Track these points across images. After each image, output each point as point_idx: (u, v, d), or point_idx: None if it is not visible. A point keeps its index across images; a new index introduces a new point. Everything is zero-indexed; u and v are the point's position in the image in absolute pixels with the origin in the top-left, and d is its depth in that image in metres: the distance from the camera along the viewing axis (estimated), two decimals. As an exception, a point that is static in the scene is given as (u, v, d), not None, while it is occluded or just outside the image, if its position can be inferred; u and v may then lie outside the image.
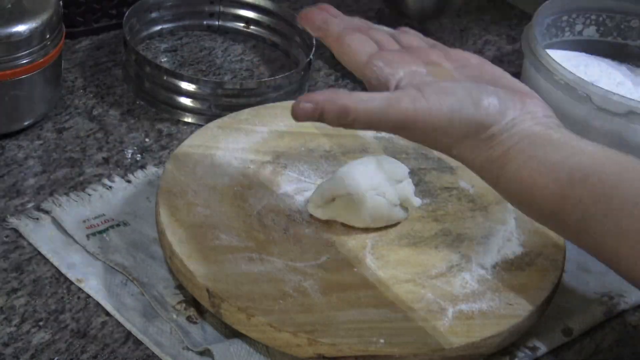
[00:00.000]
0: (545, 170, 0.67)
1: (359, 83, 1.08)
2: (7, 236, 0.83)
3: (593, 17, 1.15)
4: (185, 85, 0.98)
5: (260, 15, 1.11)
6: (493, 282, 0.80)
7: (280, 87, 1.00)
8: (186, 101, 0.98)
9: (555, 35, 1.14)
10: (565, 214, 0.67)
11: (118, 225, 0.85)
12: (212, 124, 0.91)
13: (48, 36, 0.91)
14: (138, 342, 0.76)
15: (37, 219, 0.85)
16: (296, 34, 1.08)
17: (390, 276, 0.80)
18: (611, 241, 0.65)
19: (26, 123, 0.94)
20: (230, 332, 0.77)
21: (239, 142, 0.90)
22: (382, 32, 0.76)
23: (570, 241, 0.71)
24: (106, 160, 0.92)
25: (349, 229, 0.84)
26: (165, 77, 0.98)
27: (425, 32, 0.84)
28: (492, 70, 0.74)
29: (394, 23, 1.16)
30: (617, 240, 0.65)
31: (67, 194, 0.87)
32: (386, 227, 0.84)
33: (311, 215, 0.84)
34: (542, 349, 0.80)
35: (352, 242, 0.82)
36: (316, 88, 1.07)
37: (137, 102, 1.00)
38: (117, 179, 0.90)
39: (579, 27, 1.15)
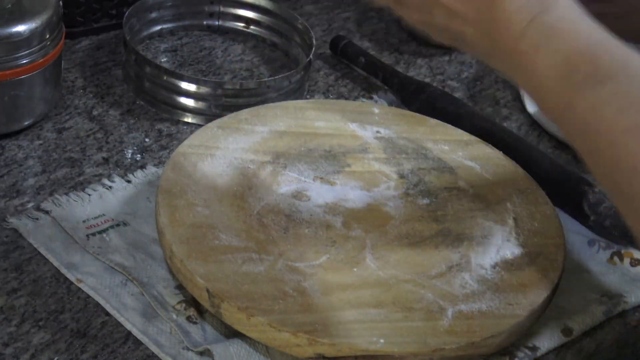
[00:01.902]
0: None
1: (359, 83, 1.08)
2: (7, 236, 0.83)
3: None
4: (185, 85, 0.98)
5: (260, 15, 1.11)
6: (493, 282, 0.80)
7: (280, 87, 1.00)
8: (186, 101, 0.98)
9: (555, 35, 1.13)
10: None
11: (118, 225, 0.85)
12: (212, 124, 0.91)
13: (48, 36, 0.91)
14: (138, 342, 0.76)
15: (37, 219, 0.85)
16: (296, 34, 1.08)
17: (390, 276, 0.80)
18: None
19: (26, 123, 0.94)
20: (230, 332, 0.77)
21: (239, 142, 0.90)
22: None
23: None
24: (106, 160, 0.92)
25: (349, 229, 0.84)
26: (165, 77, 0.98)
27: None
28: None
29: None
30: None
31: (67, 194, 0.87)
32: (386, 227, 0.84)
33: (311, 215, 0.84)
34: (542, 349, 0.80)
35: (352, 242, 0.82)
36: (316, 88, 1.07)
37: (137, 102, 1.00)
38: (117, 179, 0.90)
39: (579, 27, 1.15)
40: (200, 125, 0.96)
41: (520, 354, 0.79)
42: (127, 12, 1.03)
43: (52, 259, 0.81)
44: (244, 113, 0.93)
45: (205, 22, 1.12)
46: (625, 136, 0.65)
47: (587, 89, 0.67)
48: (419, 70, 1.12)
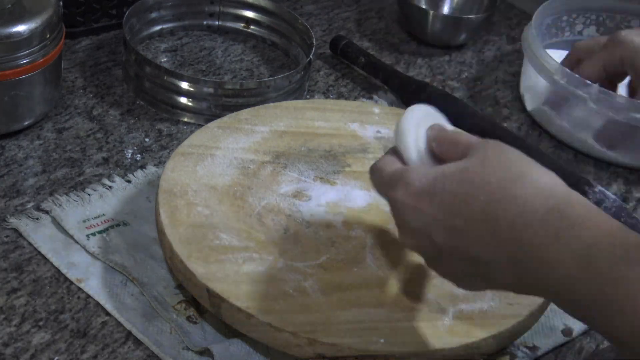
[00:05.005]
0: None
1: (359, 83, 1.08)
2: (7, 236, 0.83)
3: (593, 17, 1.15)
4: (185, 85, 0.98)
5: (260, 15, 1.11)
6: (493, 282, 0.80)
7: (280, 87, 1.00)
8: (186, 101, 0.98)
9: (555, 35, 1.14)
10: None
11: (118, 225, 0.85)
12: (212, 124, 0.91)
13: (48, 36, 0.91)
14: (138, 342, 0.76)
15: (37, 219, 0.85)
16: (296, 34, 1.08)
17: (390, 276, 0.80)
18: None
19: (26, 123, 0.94)
20: (230, 332, 0.77)
21: (239, 142, 0.90)
22: None
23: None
24: (106, 160, 0.92)
25: (349, 229, 0.84)
26: (165, 77, 0.98)
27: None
28: None
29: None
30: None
31: (67, 194, 0.87)
32: (386, 227, 0.84)
33: (311, 215, 0.84)
34: (542, 349, 0.80)
35: (352, 242, 0.82)
36: (316, 88, 1.07)
37: (137, 102, 1.00)
38: (117, 179, 0.90)
39: (579, 27, 1.15)
40: (200, 125, 0.96)
41: (520, 354, 0.79)
42: (127, 12, 1.03)
43: (52, 259, 0.81)
44: (244, 113, 0.93)
45: (205, 22, 1.12)
46: None
47: (621, 271, 0.60)
48: (419, 70, 1.12)
